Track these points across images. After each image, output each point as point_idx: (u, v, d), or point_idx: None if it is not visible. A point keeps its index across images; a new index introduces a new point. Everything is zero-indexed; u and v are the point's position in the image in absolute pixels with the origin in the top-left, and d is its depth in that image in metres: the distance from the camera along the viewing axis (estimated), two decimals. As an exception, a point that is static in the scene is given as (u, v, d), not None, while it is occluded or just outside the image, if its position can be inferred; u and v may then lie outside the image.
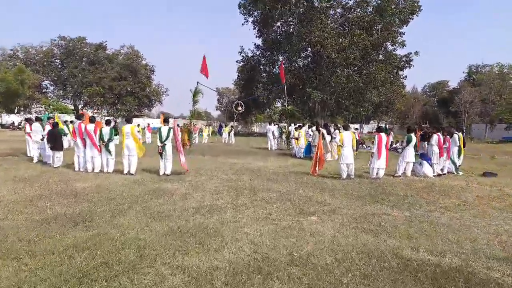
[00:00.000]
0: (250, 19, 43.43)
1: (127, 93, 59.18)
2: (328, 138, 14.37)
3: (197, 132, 27.08)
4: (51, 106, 54.28)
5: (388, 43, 40.71)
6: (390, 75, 40.22)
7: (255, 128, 61.49)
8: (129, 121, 9.69)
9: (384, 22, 37.59)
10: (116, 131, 23.74)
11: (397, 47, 40.78)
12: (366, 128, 62.17)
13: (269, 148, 20.09)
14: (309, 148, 15.30)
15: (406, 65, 41.50)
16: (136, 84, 60.22)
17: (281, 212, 6.01)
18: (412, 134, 10.44)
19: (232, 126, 29.17)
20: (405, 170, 10.45)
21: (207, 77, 19.84)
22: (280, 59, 43.70)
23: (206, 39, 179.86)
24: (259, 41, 45.23)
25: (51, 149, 10.74)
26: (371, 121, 67.05)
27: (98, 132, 9.77)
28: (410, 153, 10.33)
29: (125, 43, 74.16)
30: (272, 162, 13.73)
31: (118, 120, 54.90)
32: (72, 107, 64.34)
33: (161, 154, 9.65)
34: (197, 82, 19.78)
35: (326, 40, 36.04)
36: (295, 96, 40.90)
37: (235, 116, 56.64)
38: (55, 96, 62.40)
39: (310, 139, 15.78)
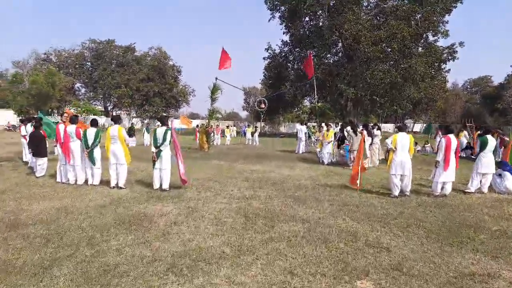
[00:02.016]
0: (277, 14, 41.08)
1: (154, 94, 58.88)
2: (368, 140, 11.77)
3: (219, 133, 25.17)
4: (80, 108, 54.81)
5: (429, 34, 36.97)
6: (431, 69, 36.47)
7: (283, 129, 58.93)
8: (116, 121, 7.69)
9: (424, 11, 34.00)
10: (132, 131, 22.40)
11: (439, 37, 36.93)
12: (402, 127, 57.68)
13: (296, 151, 17.66)
14: (348, 153, 12.69)
15: (449, 57, 37.54)
16: (163, 85, 59.92)
17: (311, 267, 3.68)
18: (489, 136, 7.73)
19: (256, 127, 26.94)
20: (480, 184, 7.75)
21: (219, 68, 17.79)
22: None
23: (234, 38, 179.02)
24: (286, 37, 42.78)
25: (33, 155, 9.02)
26: (407, 120, 62.56)
27: (82, 136, 7.87)
28: (487, 162, 7.62)
29: (154, 45, 74.14)
30: (300, 170, 11.33)
31: (146, 121, 54.48)
32: (102, 109, 65.16)
33: (154, 162, 7.59)
34: (216, 78, 17.75)
35: (360, 33, 33.02)
36: (325, 93, 37.98)
37: (262, 116, 54.63)
38: (86, 98, 63.29)
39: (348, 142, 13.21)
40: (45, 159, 9.03)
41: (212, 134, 23.46)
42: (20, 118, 9.28)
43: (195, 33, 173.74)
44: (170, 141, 7.53)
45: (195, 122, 43.03)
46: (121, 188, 7.58)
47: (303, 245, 4.29)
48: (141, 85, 57.43)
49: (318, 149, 13.52)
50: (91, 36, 74.82)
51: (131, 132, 21.36)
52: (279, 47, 43.59)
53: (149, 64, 59.88)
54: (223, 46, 18.11)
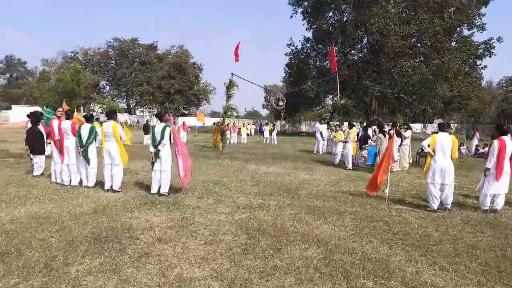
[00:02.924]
0: (300, 9, 39.71)
1: (175, 91, 58.85)
2: (396, 142, 10.45)
3: (235, 131, 24.28)
4: (104, 105, 55.58)
5: (464, 27, 34.62)
6: (465, 65, 34.11)
7: (304, 127, 57.43)
8: (110, 116, 6.86)
9: (458, 2, 31.77)
10: (148, 128, 21.77)
11: (474, 31, 34.51)
12: (430, 128, 55.17)
13: (315, 152, 16.44)
14: (374, 155, 11.36)
15: (486, 53, 35.03)
16: (184, 83, 59.79)
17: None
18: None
19: (274, 125, 25.86)
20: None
21: (236, 61, 16.87)
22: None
23: (255, 35, 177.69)
24: (309, 34, 41.28)
25: (30, 152, 8.37)
26: (436, 120, 59.53)
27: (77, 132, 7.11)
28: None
29: (176, 43, 74.35)
30: (319, 173, 10.19)
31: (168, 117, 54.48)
32: (125, 106, 65.98)
33: (153, 163, 6.71)
34: (232, 74, 16.81)
35: (387, 27, 31.20)
36: (348, 91, 36.29)
37: (282, 114, 53.40)
38: (109, 95, 64.22)
39: (372, 142, 11.95)
40: (43, 157, 8.37)
41: (229, 132, 22.65)
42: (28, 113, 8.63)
43: (216, 31, 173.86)
44: (170, 140, 6.62)
45: (213, 121, 42.35)
46: (115, 191, 6.75)
47: (317, 282, 3.22)
48: (163, 83, 57.56)
49: (336, 150, 12.19)
50: (116, 34, 75.79)
51: (146, 129, 20.81)
52: (301, 43, 42.23)
53: (171, 61, 59.93)
54: (241, 40, 17.13)
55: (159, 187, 6.67)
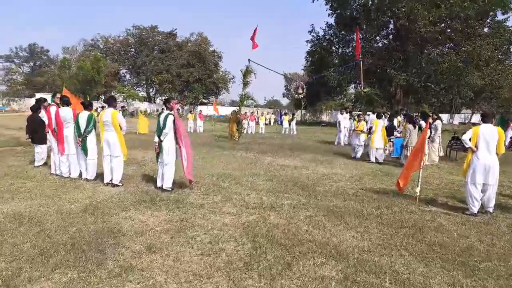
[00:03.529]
0: (322, -7, 38.14)
1: (194, 80, 58.55)
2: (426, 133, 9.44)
3: (253, 121, 23.57)
4: (124, 94, 56.01)
5: (498, 12, 32.19)
6: (498, 52, 31.88)
7: (325, 117, 56.01)
8: (109, 103, 6.30)
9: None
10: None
11: (510, 16, 32.06)
12: (458, 118, 52.58)
13: (336, 143, 15.53)
14: (401, 148, 10.39)
15: (521, 39, 32.56)
16: (204, 71, 59.36)
17: None
18: None
19: (293, 114, 24.97)
20: None
21: (253, 48, 16.01)
22: (355, 39, 37.85)
23: (275, 21, 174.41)
24: (331, 20, 39.69)
25: (31, 141, 7.99)
26: (465, 110, 56.75)
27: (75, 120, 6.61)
28: None
29: (195, 30, 73.75)
30: (340, 167, 9.38)
31: (186, 107, 54.37)
32: (145, 95, 66.36)
33: (158, 155, 6.13)
34: (249, 60, 16.01)
35: (415, 11, 29.35)
36: (372, 79, 34.72)
37: (303, 103, 52.15)
38: (129, 84, 64.68)
39: (398, 134, 11.01)
40: (44, 146, 7.97)
41: (246, 122, 21.97)
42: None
43: (236, 19, 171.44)
44: (173, 129, 6.00)
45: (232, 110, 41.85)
46: (115, 185, 6.23)
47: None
48: (182, 71, 57.37)
49: (357, 141, 11.19)
50: (135, 22, 75.92)
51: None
52: (323, 30, 40.69)
53: (190, 50, 59.53)
54: (258, 25, 16.19)
55: (162, 182, 6.10)
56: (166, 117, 5.95)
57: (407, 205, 5.56)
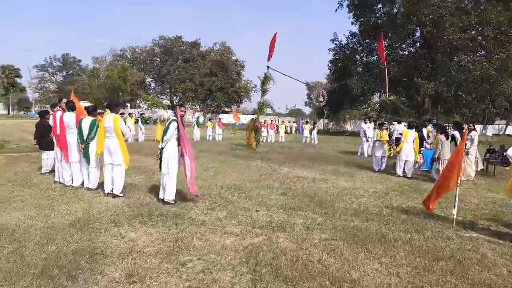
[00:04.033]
0: (345, 2, 37.42)
1: (217, 88, 58.85)
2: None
3: (273, 129, 22.99)
4: (148, 101, 57.01)
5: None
6: (535, 59, 29.89)
7: (348, 126, 54.65)
8: (111, 108, 5.91)
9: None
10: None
11: (546, 22, 30.07)
12: (491, 129, 49.86)
13: (359, 153, 14.65)
14: (432, 161, 9.45)
15: (562, 46, 30.39)
16: (226, 80, 59.63)
17: None
18: None
19: (314, 123, 24.18)
20: None
21: (268, 59, 15.35)
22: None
23: (298, 30, 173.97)
24: (355, 28, 38.81)
25: (39, 147, 7.74)
26: (499, 121, 53.79)
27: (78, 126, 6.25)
28: None
29: (218, 40, 74.62)
30: (362, 181, 8.60)
31: (208, 115, 54.53)
32: (169, 103, 67.32)
33: (160, 163, 5.64)
34: (268, 67, 15.49)
35: (443, 18, 28.06)
36: (398, 88, 33.39)
37: (325, 112, 51.12)
38: (154, 92, 65.87)
39: (428, 146, 10.09)
40: (52, 153, 7.63)
41: (265, 130, 21.44)
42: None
43: (259, 28, 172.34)
44: (177, 136, 5.50)
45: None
46: (115, 195, 5.79)
47: None
48: (205, 80, 57.82)
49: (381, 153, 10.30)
50: (161, 33, 77.57)
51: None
52: (346, 38, 39.83)
53: (213, 59, 60.04)
54: (277, 33, 15.59)
55: (164, 194, 5.59)
56: (169, 124, 5.47)
57: (441, 229, 4.76)
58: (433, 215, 5.28)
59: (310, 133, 22.25)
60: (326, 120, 56.54)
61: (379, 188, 7.72)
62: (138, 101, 67.66)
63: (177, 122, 5.46)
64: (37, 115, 7.94)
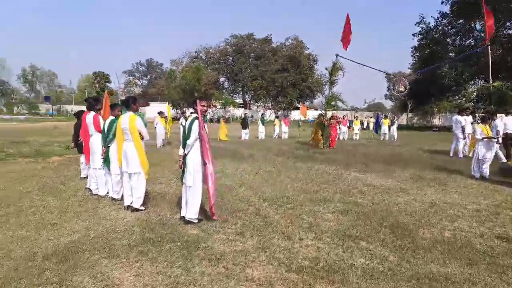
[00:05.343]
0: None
1: (289, 84, 57.51)
2: None
3: (346, 125, 20.81)
4: (221, 100, 58.35)
5: None
6: None
7: (436, 121, 48.49)
8: (128, 105, 4.97)
9: None
10: (246, 122, 20.08)
11: None
12: None
13: (452, 154, 11.92)
14: None
15: None
16: (298, 75, 57.91)
17: None
18: None
19: (394, 117, 21.28)
20: None
21: (344, 48, 13.27)
22: (477, 27, 31.32)
23: (378, 15, 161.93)
24: (445, 8, 33.85)
25: (78, 151, 7.33)
26: None
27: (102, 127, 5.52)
28: None
29: (290, 35, 72.86)
30: (458, 193, 6.44)
31: (280, 113, 53.58)
32: (242, 101, 68.16)
33: (183, 172, 4.52)
34: (337, 55, 13.66)
35: None
36: (502, 75, 27.98)
37: (409, 105, 46.09)
38: (227, 91, 67.33)
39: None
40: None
41: (338, 126, 19.42)
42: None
43: (332, 17, 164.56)
44: (198, 138, 4.31)
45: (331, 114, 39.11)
46: (135, 209, 4.86)
47: None
48: (276, 76, 56.91)
49: (484, 154, 7.80)
50: (233, 31, 78.94)
51: (244, 123, 19.41)
52: (435, 20, 34.98)
53: (285, 54, 58.78)
54: (348, 14, 13.56)
55: (186, 210, 4.47)
56: (191, 122, 4.31)
57: None
58: None
59: (389, 129, 19.55)
60: (410, 114, 51.08)
61: (484, 204, 5.57)
62: (212, 101, 69.59)
63: (199, 120, 4.27)
64: (74, 115, 7.50)
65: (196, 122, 4.27)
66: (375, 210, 5.12)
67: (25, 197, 5.57)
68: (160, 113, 14.42)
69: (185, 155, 4.40)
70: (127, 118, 4.81)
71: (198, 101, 4.29)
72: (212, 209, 4.40)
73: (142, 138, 4.90)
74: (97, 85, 58.54)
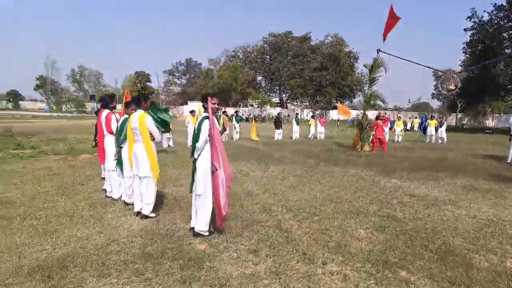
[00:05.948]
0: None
1: (328, 83, 55.80)
2: None
3: (387, 126, 19.44)
4: (257, 100, 57.94)
5: None
6: None
7: (490, 122, 44.68)
8: (138, 103, 4.54)
9: None
10: (279, 122, 19.33)
11: None
12: None
13: (510, 160, 10.48)
14: None
15: None
16: (338, 74, 55.96)
17: None
18: None
19: (442, 118, 19.59)
20: None
21: (384, 39, 12.13)
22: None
23: (423, 10, 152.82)
24: (501, 0, 30.96)
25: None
26: None
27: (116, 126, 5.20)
28: None
29: (330, 32, 70.67)
30: (522, 207, 5.42)
31: (317, 112, 52.14)
32: (278, 100, 67.39)
33: (192, 179, 4.04)
34: (378, 51, 12.58)
35: None
36: None
37: (459, 105, 42.88)
38: (264, 90, 66.85)
39: None
40: (113, 155, 6.99)
41: (375, 127, 18.19)
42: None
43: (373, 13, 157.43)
44: (209, 139, 3.79)
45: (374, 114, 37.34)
46: (144, 216, 4.46)
47: None
48: (315, 75, 55.44)
49: None
50: (271, 29, 78.19)
51: (278, 123, 18.78)
52: (489, 13, 32.07)
53: (324, 52, 57.09)
54: (392, 5, 12.41)
55: (195, 220, 3.98)
56: (200, 122, 3.81)
57: None
58: None
59: (436, 130, 17.98)
60: (459, 115, 47.55)
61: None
62: (249, 100, 69.48)
63: (210, 121, 3.76)
64: (94, 113, 7.32)
65: (206, 121, 3.76)
66: (418, 227, 4.32)
67: (39, 197, 5.39)
68: (192, 112, 14.18)
69: (195, 160, 3.91)
70: (137, 117, 4.41)
71: (209, 98, 3.77)
72: (220, 222, 3.88)
73: (153, 139, 4.48)
74: (138, 84, 60.70)
